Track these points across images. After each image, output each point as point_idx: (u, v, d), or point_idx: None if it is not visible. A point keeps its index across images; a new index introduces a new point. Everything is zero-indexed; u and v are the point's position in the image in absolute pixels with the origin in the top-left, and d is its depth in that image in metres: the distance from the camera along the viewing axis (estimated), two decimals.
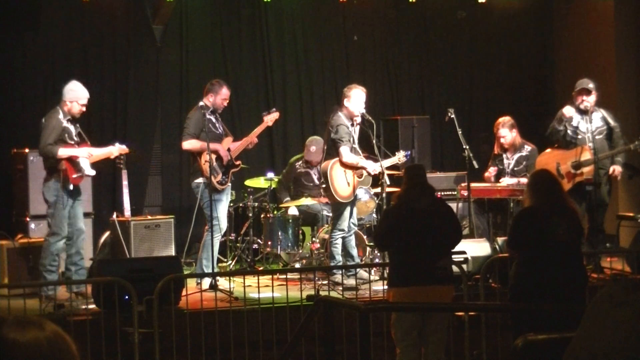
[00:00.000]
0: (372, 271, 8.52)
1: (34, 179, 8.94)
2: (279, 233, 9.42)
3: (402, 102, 12.02)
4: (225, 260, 9.68)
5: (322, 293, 7.53)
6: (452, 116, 9.00)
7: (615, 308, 1.68)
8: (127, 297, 6.55)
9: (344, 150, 8.43)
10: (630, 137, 9.03)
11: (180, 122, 9.55)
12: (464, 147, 8.87)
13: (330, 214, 9.12)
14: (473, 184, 8.96)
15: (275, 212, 9.70)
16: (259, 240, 9.70)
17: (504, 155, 9.28)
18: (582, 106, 8.96)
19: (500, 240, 8.32)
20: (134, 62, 10.83)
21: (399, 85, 12.05)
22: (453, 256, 6.47)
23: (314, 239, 9.47)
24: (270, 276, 8.08)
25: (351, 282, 8.04)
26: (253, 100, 11.25)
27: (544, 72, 12.56)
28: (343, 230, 8.53)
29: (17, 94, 10.28)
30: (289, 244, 9.45)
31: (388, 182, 8.45)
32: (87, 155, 8.15)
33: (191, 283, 8.15)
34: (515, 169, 9.20)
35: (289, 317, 6.69)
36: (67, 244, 8.12)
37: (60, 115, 8.01)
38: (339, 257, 8.52)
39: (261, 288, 7.20)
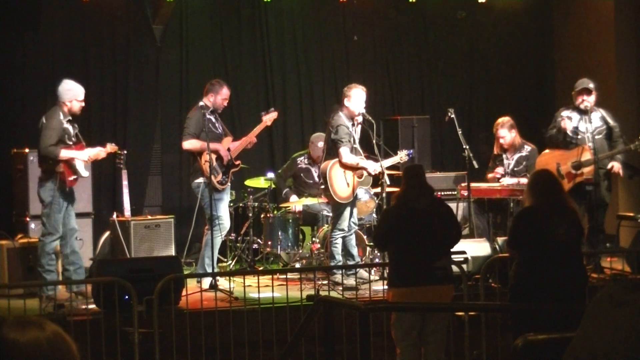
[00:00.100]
0: (372, 271, 8.52)
1: (34, 179, 8.93)
2: (279, 233, 9.43)
3: (402, 102, 12.02)
4: (225, 260, 9.68)
5: (322, 293, 7.53)
6: (452, 116, 9.00)
7: (615, 308, 1.68)
8: (127, 297, 6.55)
9: (344, 151, 8.42)
10: (630, 137, 9.03)
11: (180, 122, 9.55)
12: (464, 147, 8.87)
13: (330, 214, 9.12)
14: (473, 184, 8.96)
15: (275, 212, 9.70)
16: (259, 240, 9.70)
17: (504, 156, 9.29)
18: (582, 106, 8.96)
19: (500, 240, 8.32)
20: (134, 62, 10.83)
21: (399, 85, 12.05)
22: (453, 256, 6.48)
23: (314, 239, 9.47)
24: (270, 276, 8.08)
25: (351, 282, 8.04)
26: (253, 100, 11.25)
27: (544, 72, 12.57)
28: (343, 230, 8.53)
29: (17, 94, 10.28)
30: (289, 244, 9.45)
31: (388, 182, 8.45)
32: (86, 158, 8.17)
33: (191, 283, 8.15)
34: (515, 169, 9.21)
35: (289, 317, 6.69)
36: (61, 243, 8.14)
37: (61, 116, 8.01)
38: (339, 257, 8.52)
39: (261, 288, 7.20)
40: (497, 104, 11.65)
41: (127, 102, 10.76)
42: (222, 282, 8.32)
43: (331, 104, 9.90)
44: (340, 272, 8.21)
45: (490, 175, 9.30)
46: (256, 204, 9.80)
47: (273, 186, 10.10)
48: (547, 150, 9.17)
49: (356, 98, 8.54)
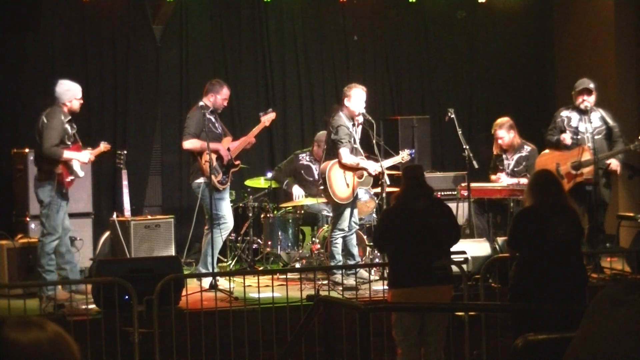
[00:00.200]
0: (372, 271, 8.52)
1: (34, 179, 8.94)
2: (279, 233, 9.43)
3: (402, 102, 12.02)
4: (225, 260, 9.68)
5: (322, 293, 7.54)
6: (452, 116, 9.00)
7: (615, 308, 1.69)
8: (127, 297, 6.55)
9: (344, 151, 8.42)
10: (630, 137, 9.03)
11: (180, 122, 9.55)
12: (464, 147, 8.87)
13: (331, 214, 9.12)
14: (473, 184, 8.97)
15: (275, 212, 9.70)
16: (259, 240, 9.70)
17: (504, 156, 9.29)
18: (582, 106, 8.96)
19: (500, 240, 8.32)
20: (134, 62, 10.83)
21: (399, 85, 12.05)
22: (453, 256, 6.48)
23: (314, 239, 9.47)
24: (270, 276, 8.08)
25: (351, 282, 8.04)
26: (253, 100, 11.25)
27: (544, 72, 12.57)
28: (343, 230, 8.53)
29: (17, 94, 10.28)
30: (289, 244, 9.45)
31: (388, 182, 8.45)
32: (86, 160, 8.21)
33: (191, 283, 8.15)
34: (515, 169, 9.21)
35: (289, 317, 6.69)
36: (58, 243, 8.16)
37: (62, 117, 8.03)
38: (339, 257, 8.52)
39: (261, 288, 7.20)
40: (497, 104, 11.65)
41: (127, 102, 10.76)
42: (222, 282, 8.32)
43: (331, 104, 9.90)
44: (340, 272, 8.20)
45: (493, 177, 9.32)
46: (256, 204, 9.80)
47: (273, 186, 10.10)
48: (546, 150, 9.17)
49: (356, 98, 8.54)
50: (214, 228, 8.40)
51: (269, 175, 10.17)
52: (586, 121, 8.95)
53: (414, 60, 12.09)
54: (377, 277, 8.34)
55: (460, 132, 8.95)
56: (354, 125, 8.56)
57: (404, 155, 8.79)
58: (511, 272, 5.90)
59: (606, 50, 11.44)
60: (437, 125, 11.50)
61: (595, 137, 8.92)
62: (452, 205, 7.26)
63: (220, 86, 8.73)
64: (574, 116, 9.02)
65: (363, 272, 8.39)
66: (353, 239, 8.65)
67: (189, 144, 8.54)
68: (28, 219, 9.16)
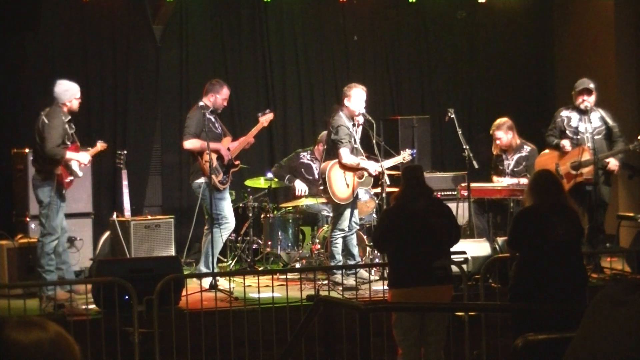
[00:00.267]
0: (372, 271, 8.52)
1: (32, 179, 8.94)
2: (279, 233, 9.43)
3: (402, 102, 12.02)
4: (225, 260, 9.68)
5: (322, 293, 7.54)
6: (452, 116, 9.00)
7: (615, 308, 1.69)
8: (127, 297, 6.55)
9: (344, 152, 8.41)
10: (630, 137, 9.03)
11: (180, 122, 9.55)
12: (464, 147, 8.87)
13: (331, 214, 9.12)
14: (473, 184, 8.97)
15: (275, 212, 9.70)
16: (259, 240, 9.70)
17: (504, 156, 9.30)
18: (582, 106, 8.96)
19: (500, 240, 8.32)
20: (134, 62, 10.83)
21: (399, 85, 12.05)
22: (453, 256, 6.48)
23: (314, 239, 9.47)
24: (270, 276, 8.08)
25: (351, 282, 8.04)
26: (253, 101, 11.25)
27: (544, 72, 12.57)
28: (343, 230, 8.53)
29: (17, 94, 10.28)
30: (289, 244, 9.45)
31: (388, 182, 8.44)
32: (87, 161, 8.22)
33: (191, 283, 8.15)
34: (515, 169, 9.21)
35: (289, 317, 6.69)
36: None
37: (62, 117, 8.03)
38: (339, 257, 8.52)
39: (261, 288, 7.20)
40: (497, 104, 11.65)
41: (127, 102, 10.76)
42: (222, 282, 8.32)
43: (331, 104, 9.90)
44: (340, 272, 8.20)
45: (495, 179, 9.32)
46: (256, 204, 9.80)
47: (273, 186, 10.10)
48: (546, 151, 9.18)
49: (356, 98, 8.54)
50: (214, 228, 8.40)
51: (269, 175, 10.17)
52: (586, 121, 8.96)
53: (414, 60, 12.09)
54: (377, 277, 8.34)
55: (460, 132, 8.95)
56: (354, 125, 8.55)
57: (405, 155, 8.78)
58: (511, 272, 5.90)
59: (606, 50, 11.43)
60: (437, 125, 11.50)
61: (595, 137, 8.92)
62: (452, 205, 7.27)
63: (220, 86, 8.74)
64: (574, 116, 9.03)
65: (363, 272, 8.39)
66: (353, 239, 8.65)
67: (190, 144, 8.54)
68: (28, 219, 9.16)
